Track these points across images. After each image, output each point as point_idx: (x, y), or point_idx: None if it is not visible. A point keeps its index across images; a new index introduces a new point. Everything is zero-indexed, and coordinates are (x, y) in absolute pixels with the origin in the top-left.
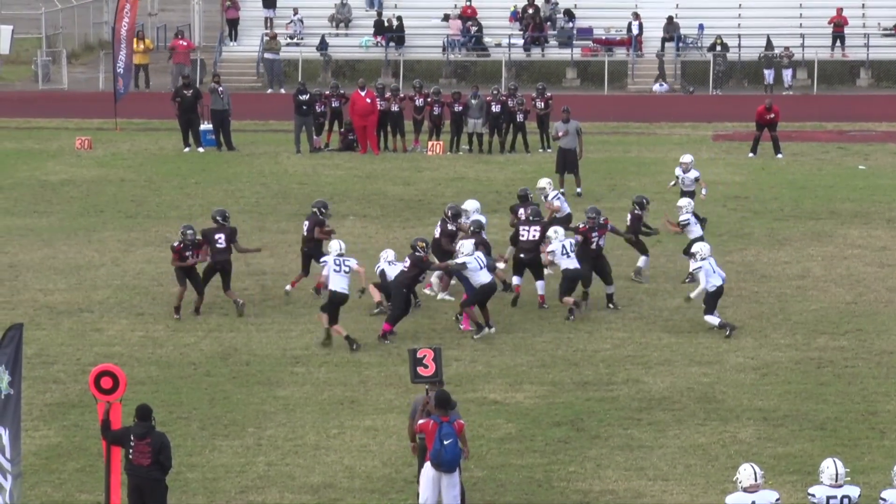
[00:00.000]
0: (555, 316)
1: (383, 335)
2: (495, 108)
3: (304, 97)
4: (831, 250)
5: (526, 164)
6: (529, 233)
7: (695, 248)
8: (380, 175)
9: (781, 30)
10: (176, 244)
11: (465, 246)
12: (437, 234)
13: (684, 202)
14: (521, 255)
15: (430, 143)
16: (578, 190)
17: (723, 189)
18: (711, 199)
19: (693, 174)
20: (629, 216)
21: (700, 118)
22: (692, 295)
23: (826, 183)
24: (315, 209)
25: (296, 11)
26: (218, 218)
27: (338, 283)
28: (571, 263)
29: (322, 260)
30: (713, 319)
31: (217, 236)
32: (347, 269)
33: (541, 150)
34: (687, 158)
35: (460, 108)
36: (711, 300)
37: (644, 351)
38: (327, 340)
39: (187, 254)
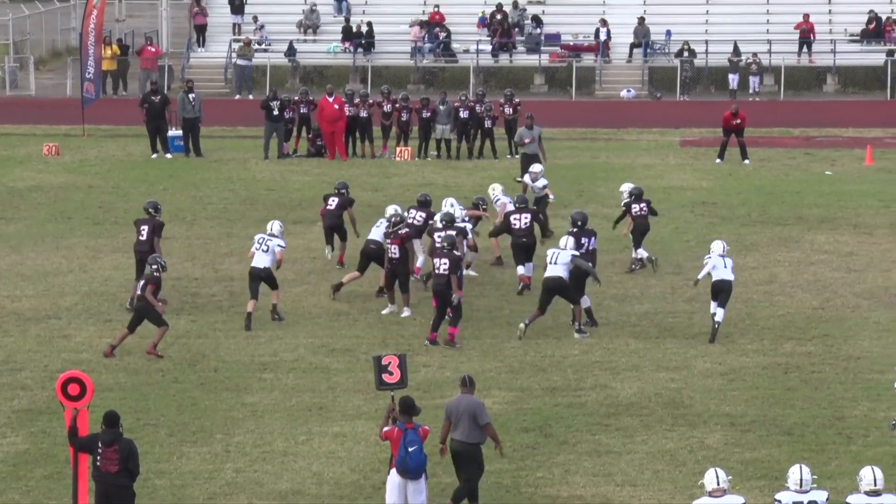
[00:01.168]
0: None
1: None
2: (463, 114)
3: (275, 103)
4: (798, 256)
5: (494, 170)
6: (521, 221)
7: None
8: (348, 181)
9: (748, 36)
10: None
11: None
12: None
13: (625, 187)
14: (520, 241)
15: (398, 149)
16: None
17: (690, 195)
18: (678, 205)
19: (541, 182)
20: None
21: (668, 124)
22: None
23: (793, 188)
24: (340, 190)
25: (256, 19)
26: (150, 209)
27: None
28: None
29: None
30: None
31: (142, 227)
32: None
33: (509, 156)
34: (537, 168)
35: (428, 114)
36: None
37: (612, 357)
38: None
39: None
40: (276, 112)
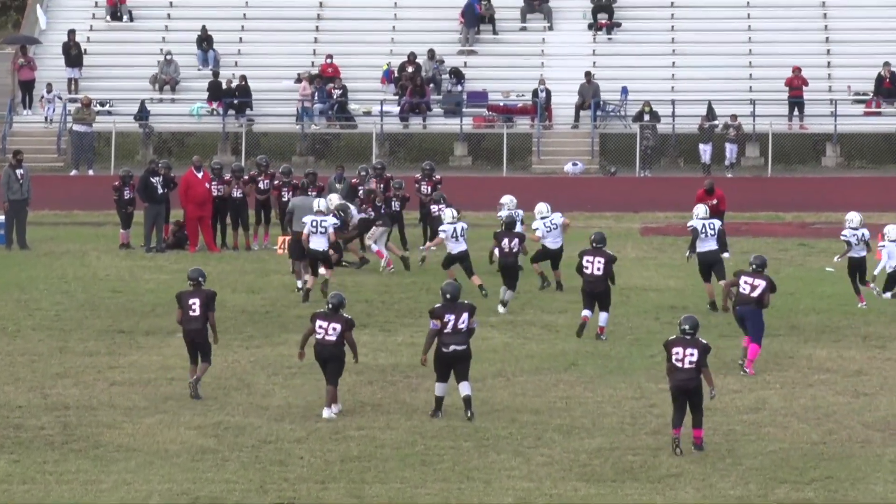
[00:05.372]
0: (441, 461)
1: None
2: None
3: (157, 179)
4: (793, 375)
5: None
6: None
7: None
8: (216, 280)
9: (726, 94)
10: None
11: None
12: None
13: (541, 206)
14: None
15: (280, 239)
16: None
17: (654, 297)
18: (640, 310)
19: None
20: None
21: (624, 206)
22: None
23: (785, 289)
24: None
25: (50, 88)
26: None
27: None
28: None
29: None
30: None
31: None
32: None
33: (422, 249)
34: (506, 199)
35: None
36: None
37: None
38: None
39: None
40: (160, 191)
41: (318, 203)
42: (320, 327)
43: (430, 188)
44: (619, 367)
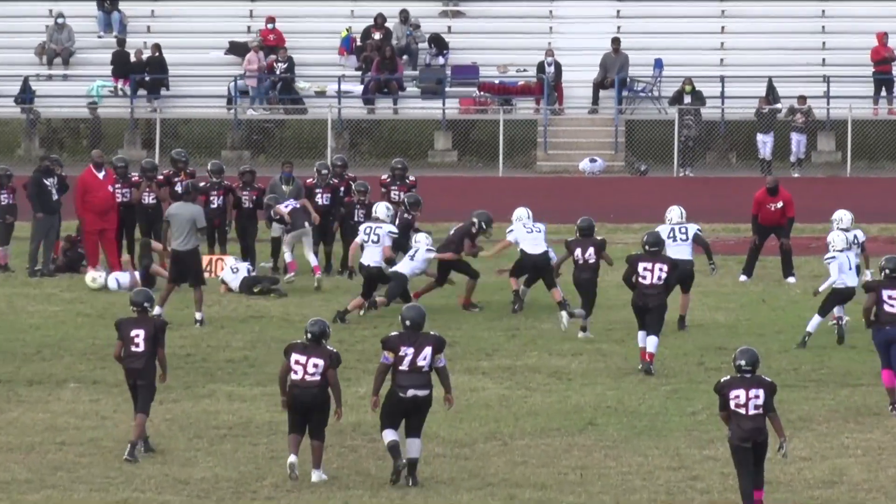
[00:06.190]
0: None
1: None
2: (321, 199)
3: (51, 181)
4: (879, 438)
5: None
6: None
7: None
8: (123, 313)
9: (791, 69)
10: None
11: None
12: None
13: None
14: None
15: (206, 259)
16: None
17: (697, 335)
18: (679, 352)
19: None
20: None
21: (658, 216)
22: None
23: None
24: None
25: None
26: None
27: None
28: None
29: None
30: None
31: None
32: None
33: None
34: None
35: (254, 197)
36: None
37: None
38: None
39: None
40: (55, 197)
41: (376, 209)
42: (297, 363)
43: (400, 193)
44: (651, 428)
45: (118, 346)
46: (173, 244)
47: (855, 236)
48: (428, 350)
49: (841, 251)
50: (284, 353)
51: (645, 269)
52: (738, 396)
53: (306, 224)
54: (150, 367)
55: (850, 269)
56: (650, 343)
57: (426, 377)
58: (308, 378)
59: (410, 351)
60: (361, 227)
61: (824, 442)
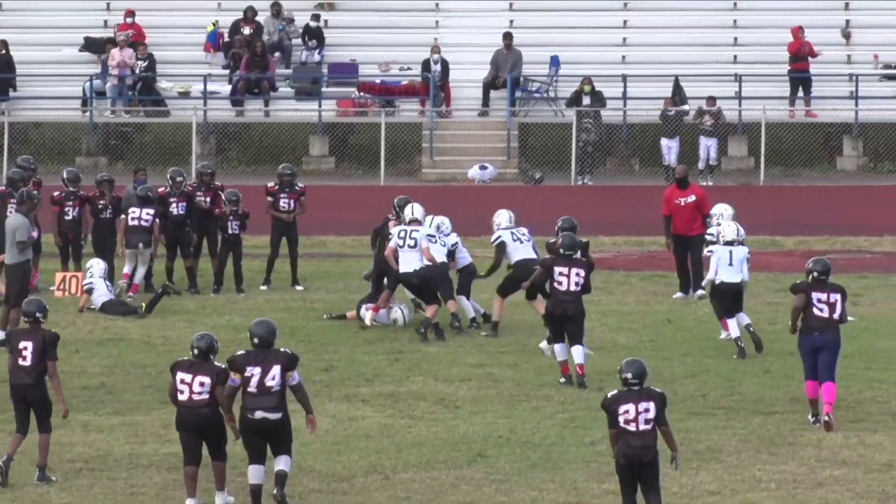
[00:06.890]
0: None
1: None
2: (176, 209)
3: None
4: (793, 470)
5: (249, 312)
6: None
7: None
8: None
9: (700, 67)
10: None
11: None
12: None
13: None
14: None
15: (59, 276)
16: None
17: (598, 359)
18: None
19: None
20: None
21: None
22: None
23: (784, 348)
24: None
25: None
26: None
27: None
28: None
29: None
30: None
31: None
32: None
33: (300, 287)
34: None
35: (111, 209)
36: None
37: None
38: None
39: None
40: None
41: (412, 209)
42: (182, 382)
43: (292, 201)
44: (547, 459)
45: (9, 361)
46: (7, 257)
47: (738, 230)
48: (276, 369)
49: (725, 245)
50: (171, 370)
51: (560, 273)
52: (627, 411)
53: (140, 245)
54: (41, 384)
55: (731, 264)
56: (577, 353)
57: (276, 398)
58: (195, 398)
59: (258, 371)
60: (395, 231)
61: (734, 475)
